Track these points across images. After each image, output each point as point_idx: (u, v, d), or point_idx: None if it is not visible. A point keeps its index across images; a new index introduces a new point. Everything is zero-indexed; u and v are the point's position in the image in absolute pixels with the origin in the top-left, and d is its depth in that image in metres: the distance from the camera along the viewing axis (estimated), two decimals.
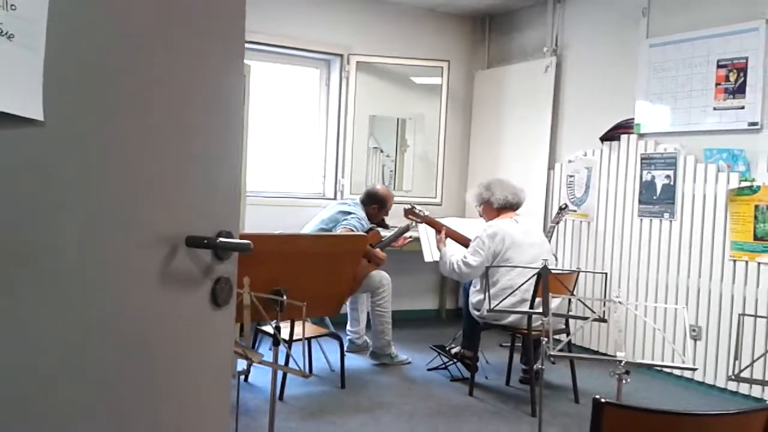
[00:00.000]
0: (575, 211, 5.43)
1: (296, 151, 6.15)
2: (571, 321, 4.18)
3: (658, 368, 4.70)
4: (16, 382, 1.04)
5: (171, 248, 1.24)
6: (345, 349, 4.42)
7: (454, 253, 4.34)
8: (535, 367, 2.81)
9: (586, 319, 2.87)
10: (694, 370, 4.28)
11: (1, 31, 0.93)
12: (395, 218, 5.13)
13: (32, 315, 1.05)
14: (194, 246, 1.27)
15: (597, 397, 1.56)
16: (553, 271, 3.39)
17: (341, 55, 6.03)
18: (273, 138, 5.94)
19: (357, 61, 6.05)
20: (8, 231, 1.01)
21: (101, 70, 1.12)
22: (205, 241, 1.27)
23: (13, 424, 1.05)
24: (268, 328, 4.00)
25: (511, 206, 4.40)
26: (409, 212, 4.60)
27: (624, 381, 2.21)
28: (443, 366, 4.60)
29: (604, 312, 2.94)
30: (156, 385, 1.28)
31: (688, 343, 3.37)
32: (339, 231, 4.55)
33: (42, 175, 1.04)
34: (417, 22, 6.33)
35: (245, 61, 1.70)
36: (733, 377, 2.28)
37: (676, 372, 4.57)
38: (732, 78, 4.40)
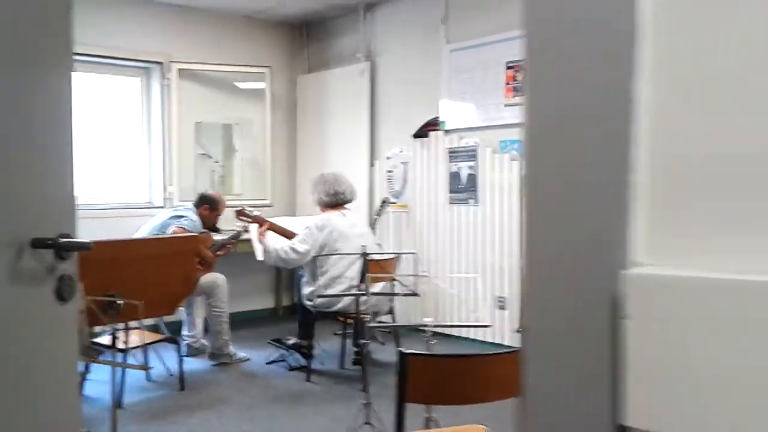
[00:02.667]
0: (395, 203, 5.89)
1: (121, 161, 6.07)
2: (397, 303, 4.60)
3: (465, 335, 5.26)
4: None
5: (18, 249, 1.39)
6: (183, 353, 4.51)
7: (278, 241, 4.60)
8: (360, 342, 3.14)
9: (397, 294, 3.24)
10: (488, 326, 4.93)
11: None
12: (230, 224, 5.27)
13: None
14: (39, 247, 1.42)
15: (400, 349, 1.89)
16: (374, 257, 3.75)
17: (161, 63, 6.04)
18: (95, 150, 5.82)
19: (178, 69, 6.09)
20: None
21: None
22: (49, 242, 1.43)
23: None
24: (103, 340, 4.01)
25: (342, 201, 4.73)
26: (240, 213, 4.77)
27: (432, 342, 2.58)
28: (281, 358, 4.83)
29: (416, 284, 3.33)
30: (11, 375, 1.42)
31: (496, 312, 3.88)
32: (171, 230, 4.64)
33: None
34: (237, 29, 6.48)
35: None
36: (518, 330, 2.74)
37: (488, 339, 5.15)
38: (519, 77, 5.05)
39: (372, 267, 3.80)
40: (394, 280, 4.19)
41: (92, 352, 2.48)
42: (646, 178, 0.63)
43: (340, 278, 4.11)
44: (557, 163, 0.70)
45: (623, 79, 0.63)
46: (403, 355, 1.87)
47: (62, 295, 1.52)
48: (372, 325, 2.55)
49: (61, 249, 1.50)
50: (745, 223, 0.59)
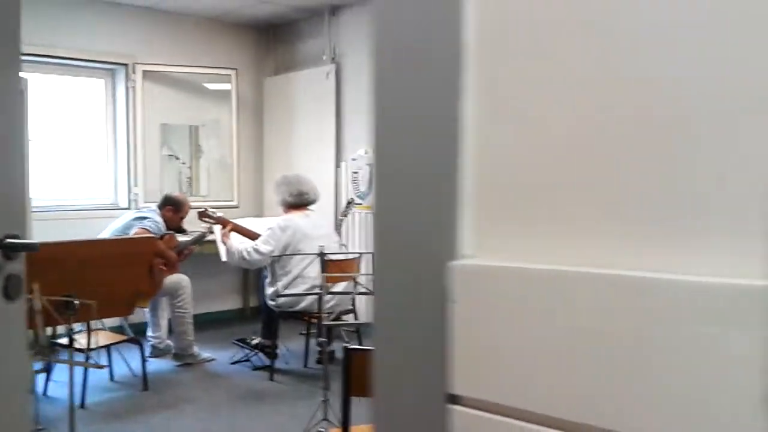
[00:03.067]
0: (361, 204, 5.96)
1: (85, 163, 6.07)
2: (361, 302, 4.67)
3: None
4: None
5: None
6: (148, 354, 4.54)
7: (242, 241, 4.64)
8: (319, 340, 3.20)
9: (352, 294, 3.32)
10: None
11: None
12: (196, 226, 5.30)
13: None
14: None
15: (346, 344, 1.96)
16: (334, 258, 3.82)
17: (126, 65, 6.05)
18: (59, 151, 5.81)
19: (143, 70, 6.09)
20: None
21: None
22: None
23: None
24: (65, 341, 4.02)
25: (306, 202, 4.78)
26: (203, 215, 4.81)
27: None
28: (246, 358, 4.87)
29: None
30: None
31: None
32: (134, 231, 4.67)
33: None
34: (203, 31, 6.50)
35: (20, 75, 1.88)
36: None
37: None
38: None
39: (332, 267, 3.87)
40: (353, 279, 4.26)
41: (49, 351, 2.51)
42: (472, 182, 0.72)
43: (301, 278, 4.17)
44: (399, 171, 0.79)
45: (451, 99, 0.73)
46: (347, 350, 1.95)
47: (9, 294, 1.57)
48: (328, 323, 2.62)
49: (8, 249, 1.55)
50: (548, 221, 0.69)
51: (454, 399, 0.71)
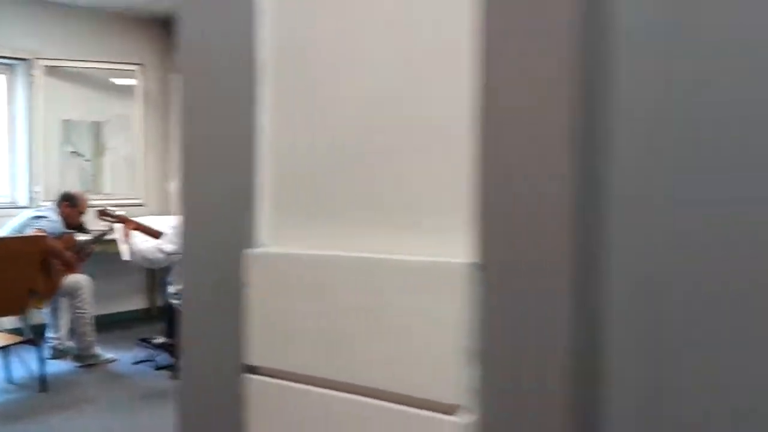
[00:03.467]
0: None
1: None
2: None
3: None
4: None
5: None
6: (48, 356, 4.46)
7: (146, 240, 4.62)
8: None
9: None
10: None
11: None
12: (98, 225, 5.21)
13: None
14: None
15: None
16: None
17: (26, 60, 5.88)
18: None
19: (45, 66, 5.94)
20: None
21: None
22: None
23: None
24: None
25: None
26: (102, 213, 4.74)
27: None
28: (150, 358, 4.85)
29: None
30: None
31: None
32: (30, 232, 4.57)
33: None
34: (108, 25, 6.39)
35: None
36: None
37: None
38: None
39: None
40: None
41: None
42: (268, 181, 0.87)
43: None
44: (203, 171, 0.93)
45: (248, 109, 0.88)
46: None
47: None
48: None
49: None
50: (326, 213, 0.85)
51: (249, 369, 0.86)
